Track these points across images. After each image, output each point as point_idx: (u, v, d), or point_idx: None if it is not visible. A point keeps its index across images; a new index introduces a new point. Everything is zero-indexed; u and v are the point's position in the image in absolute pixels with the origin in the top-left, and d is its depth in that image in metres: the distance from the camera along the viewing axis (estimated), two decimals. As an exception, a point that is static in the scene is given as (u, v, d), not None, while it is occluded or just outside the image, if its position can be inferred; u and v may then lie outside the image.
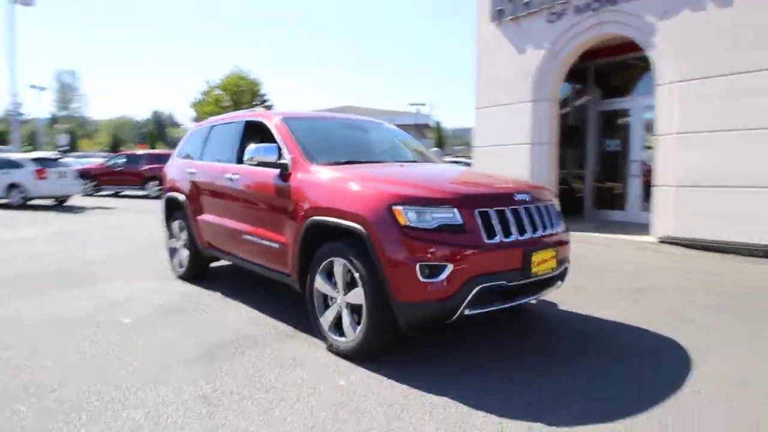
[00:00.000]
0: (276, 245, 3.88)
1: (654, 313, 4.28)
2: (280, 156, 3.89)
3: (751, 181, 6.48)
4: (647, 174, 8.91)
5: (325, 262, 3.41)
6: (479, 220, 3.06)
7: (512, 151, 9.18)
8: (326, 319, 3.46)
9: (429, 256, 2.93)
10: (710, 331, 3.84)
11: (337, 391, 2.88)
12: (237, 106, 25.43)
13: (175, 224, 5.58)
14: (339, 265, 3.30)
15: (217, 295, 4.90)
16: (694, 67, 6.82)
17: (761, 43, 6.24)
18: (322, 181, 3.56)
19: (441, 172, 4.10)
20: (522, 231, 3.23)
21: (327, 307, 3.50)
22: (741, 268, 6.01)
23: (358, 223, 3.11)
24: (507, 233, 3.14)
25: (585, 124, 10.04)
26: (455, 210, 3.03)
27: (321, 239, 3.50)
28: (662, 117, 7.29)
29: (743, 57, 6.38)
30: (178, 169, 5.60)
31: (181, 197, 5.33)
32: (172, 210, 5.69)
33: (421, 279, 2.93)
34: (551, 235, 3.43)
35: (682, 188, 7.08)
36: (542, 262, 3.26)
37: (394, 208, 3.01)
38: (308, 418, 2.57)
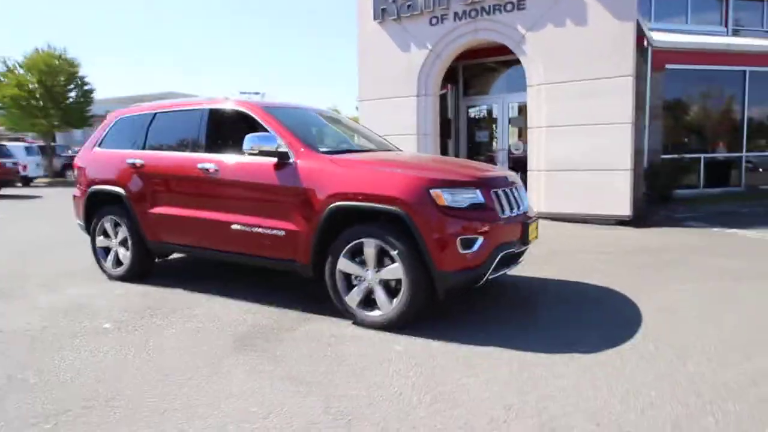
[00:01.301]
0: (280, 233, 3.93)
1: (575, 270, 5.34)
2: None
3: (597, 165, 8.20)
4: (512, 161, 10.48)
5: (352, 244, 3.64)
6: (494, 199, 3.63)
7: (398, 141, 9.91)
8: (353, 298, 3.69)
9: (465, 230, 3.41)
10: (622, 278, 4.99)
11: (403, 356, 3.19)
12: (48, 89, 21.84)
13: (107, 221, 5.05)
14: (370, 245, 3.57)
15: (181, 291, 4.65)
16: (556, 72, 8.33)
17: (604, 57, 7.93)
18: (341, 168, 3.76)
19: (439, 159, 4.60)
20: (517, 208, 3.90)
21: (351, 286, 3.74)
22: (603, 233, 7.65)
23: (397, 206, 3.43)
24: (511, 209, 3.78)
25: (456, 116, 11.30)
26: (477, 191, 3.55)
27: (343, 223, 3.71)
28: (533, 113, 8.73)
29: (592, 66, 8.02)
30: (107, 161, 5.06)
31: (119, 191, 4.85)
32: (99, 206, 5.13)
33: (460, 251, 3.40)
34: (528, 211, 4.17)
35: (549, 172, 8.61)
36: (532, 233, 3.98)
37: (432, 191, 3.42)
38: (403, 380, 2.87)
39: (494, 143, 10.78)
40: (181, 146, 4.61)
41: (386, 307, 3.57)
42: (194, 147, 4.51)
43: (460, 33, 9.25)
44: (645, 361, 3.09)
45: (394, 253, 3.47)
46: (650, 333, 3.54)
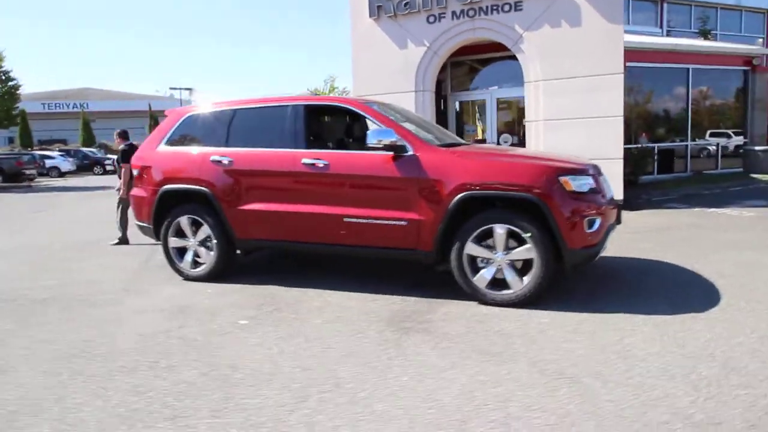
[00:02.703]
0: (402, 222, 4.15)
1: (616, 249, 5.92)
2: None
3: (593, 155, 8.90)
4: (503, 152, 11.10)
5: (481, 229, 3.95)
6: (601, 184, 4.09)
7: (395, 136, 10.24)
8: (483, 279, 4.00)
9: (589, 212, 3.85)
10: (663, 253, 5.64)
11: (554, 325, 3.55)
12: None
13: (183, 221, 4.97)
14: (501, 229, 3.90)
15: (277, 288, 4.70)
16: (553, 69, 9.00)
17: (597, 56, 8.70)
18: (467, 160, 4.07)
19: (535, 151, 4.96)
20: (609, 192, 4.39)
21: (476, 269, 4.05)
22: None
23: (532, 192, 3.79)
24: (608, 194, 4.26)
25: (444, 110, 11.76)
26: (590, 177, 4.00)
27: (469, 211, 4.01)
28: (530, 107, 9.37)
29: (585, 64, 8.77)
30: (183, 159, 4.98)
31: (203, 189, 4.80)
32: (172, 206, 5.04)
33: (586, 230, 3.83)
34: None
35: (547, 162, 9.29)
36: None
37: (561, 178, 3.81)
38: (576, 343, 3.23)
39: (483, 136, 11.36)
40: (275, 143, 4.65)
41: (517, 285, 3.92)
42: (292, 143, 4.57)
43: (458, 31, 9.69)
44: (748, 314, 3.67)
45: (526, 235, 3.83)
46: (730, 293, 4.13)
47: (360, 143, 4.74)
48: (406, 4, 9.89)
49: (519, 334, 3.44)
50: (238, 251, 5.15)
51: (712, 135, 14.24)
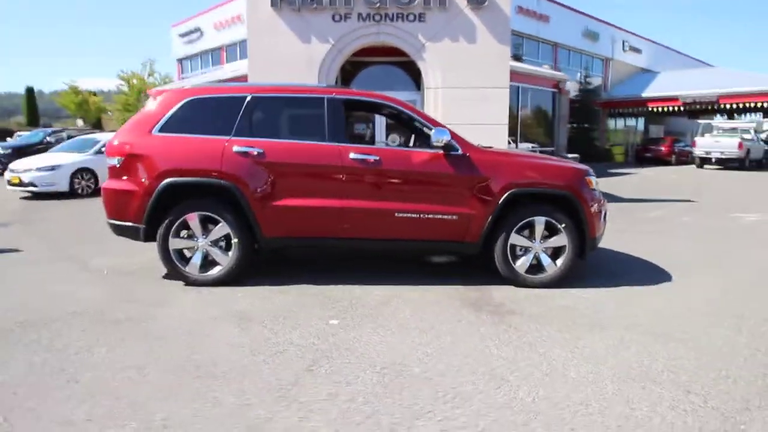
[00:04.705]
0: (453, 217, 4.47)
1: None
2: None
3: (477, 156, 10.30)
4: (393, 151, 11.74)
5: (524, 221, 4.52)
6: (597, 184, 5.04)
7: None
8: (523, 265, 4.57)
9: (602, 206, 4.74)
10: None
11: (599, 300, 4.30)
12: None
13: (192, 219, 4.41)
14: (540, 222, 4.52)
15: (310, 286, 4.54)
16: (452, 78, 9.99)
17: (489, 71, 9.96)
18: (511, 160, 4.64)
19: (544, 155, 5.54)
20: (590, 189, 5.38)
21: (516, 256, 4.60)
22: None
23: (568, 190, 4.50)
24: (594, 190, 5.24)
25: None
26: (595, 178, 4.90)
27: (512, 205, 4.53)
28: (429, 111, 10.20)
29: (479, 77, 9.98)
30: (194, 148, 4.41)
31: (225, 183, 4.34)
32: (174, 202, 4.42)
33: (601, 221, 4.72)
34: None
35: (443, 162, 10.29)
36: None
37: (586, 177, 4.61)
38: (636, 311, 4.02)
39: (372, 137, 11.88)
40: (310, 135, 4.48)
41: (552, 269, 4.59)
42: (332, 136, 4.45)
43: (363, 33, 10.01)
44: (711, 277, 4.98)
45: (561, 226, 4.52)
46: (684, 268, 5.27)
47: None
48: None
49: (584, 307, 4.11)
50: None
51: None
